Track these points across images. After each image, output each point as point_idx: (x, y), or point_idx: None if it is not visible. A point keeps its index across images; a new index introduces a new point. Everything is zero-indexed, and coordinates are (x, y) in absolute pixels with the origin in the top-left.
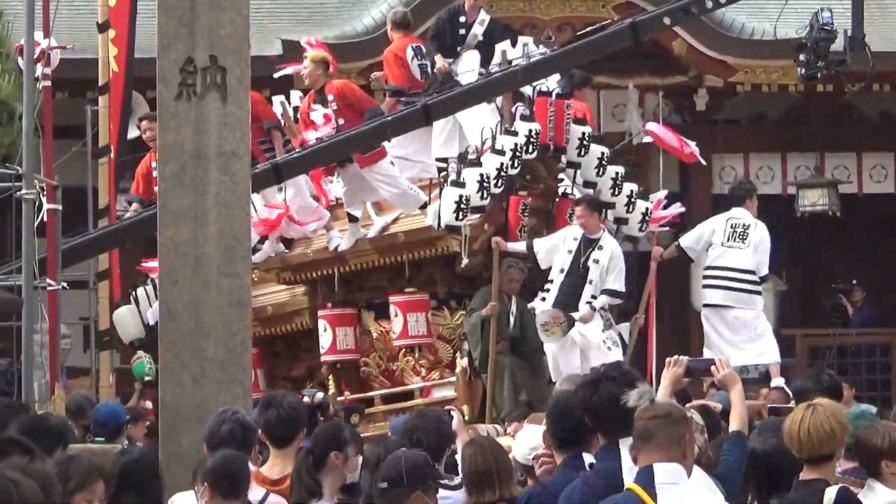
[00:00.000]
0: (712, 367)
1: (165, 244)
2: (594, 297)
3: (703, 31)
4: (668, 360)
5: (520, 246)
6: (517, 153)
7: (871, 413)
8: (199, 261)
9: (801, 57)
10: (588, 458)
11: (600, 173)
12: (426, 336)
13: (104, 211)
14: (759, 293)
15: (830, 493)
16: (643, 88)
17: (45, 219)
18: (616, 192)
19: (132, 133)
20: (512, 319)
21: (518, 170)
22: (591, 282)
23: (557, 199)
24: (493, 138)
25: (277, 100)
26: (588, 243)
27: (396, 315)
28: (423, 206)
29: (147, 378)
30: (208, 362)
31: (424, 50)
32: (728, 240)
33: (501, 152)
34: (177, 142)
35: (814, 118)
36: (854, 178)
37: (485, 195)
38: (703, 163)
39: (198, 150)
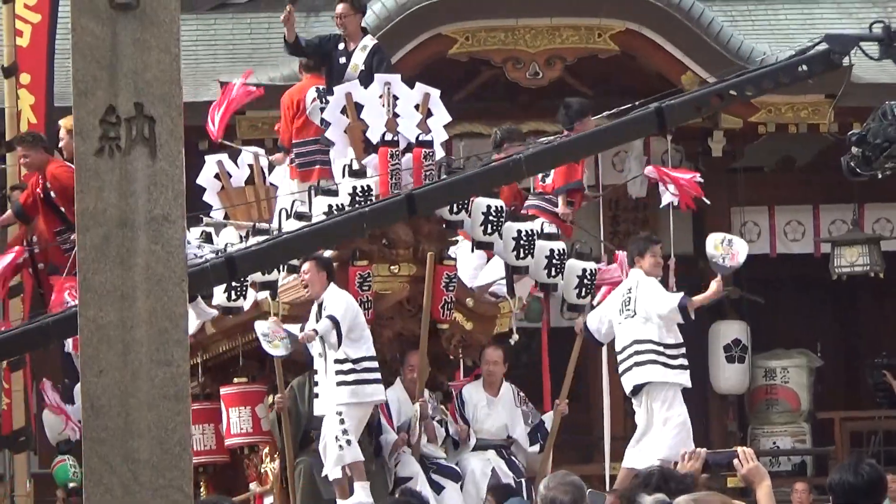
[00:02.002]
0: (735, 461)
1: (87, 326)
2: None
3: (718, 62)
4: (683, 452)
5: (295, 326)
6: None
7: None
8: (127, 346)
9: (855, 150)
10: None
11: (488, 231)
12: (254, 434)
13: (16, 289)
14: (680, 367)
15: None
16: None
17: None
18: (522, 255)
19: None
20: None
21: None
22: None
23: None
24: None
25: (213, 159)
26: (318, 310)
27: (223, 411)
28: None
29: (71, 484)
30: (141, 465)
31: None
32: (621, 313)
33: (305, 217)
34: (98, 206)
35: None
36: None
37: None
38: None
39: (124, 215)
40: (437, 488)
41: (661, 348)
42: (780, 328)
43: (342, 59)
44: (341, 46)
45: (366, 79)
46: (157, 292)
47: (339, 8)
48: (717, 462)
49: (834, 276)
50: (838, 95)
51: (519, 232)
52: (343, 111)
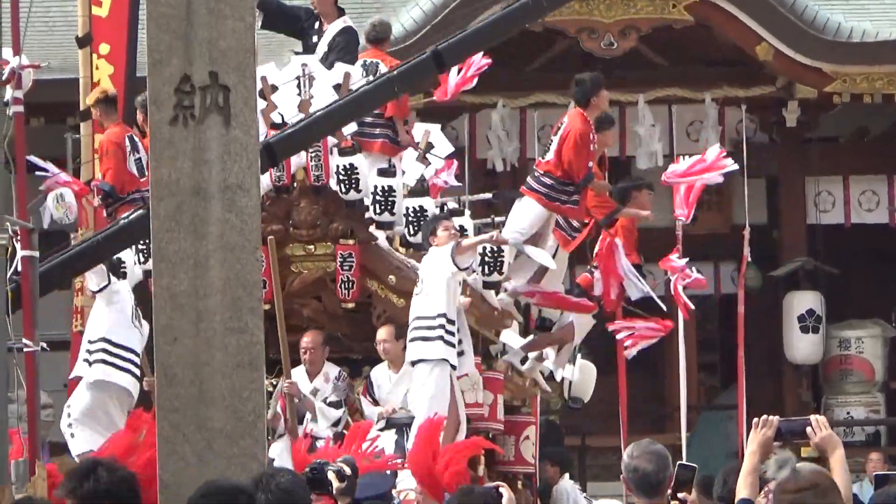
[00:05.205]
0: (808, 429)
1: (161, 295)
2: None
3: (792, 32)
4: (755, 420)
5: None
6: None
7: None
8: (200, 315)
9: None
10: None
11: (379, 211)
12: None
13: None
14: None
15: None
16: (723, 102)
17: (20, 267)
18: (413, 231)
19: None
20: None
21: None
22: None
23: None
24: None
25: (298, 60)
26: None
27: None
28: None
29: None
30: (215, 434)
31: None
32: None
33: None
34: (172, 175)
35: None
36: None
37: (142, 259)
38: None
39: (197, 184)
40: None
41: (445, 322)
42: (854, 298)
43: (315, 38)
44: (317, 25)
45: (325, 59)
46: (231, 260)
47: None
48: (790, 430)
49: None
50: None
51: (408, 209)
52: (261, 94)
